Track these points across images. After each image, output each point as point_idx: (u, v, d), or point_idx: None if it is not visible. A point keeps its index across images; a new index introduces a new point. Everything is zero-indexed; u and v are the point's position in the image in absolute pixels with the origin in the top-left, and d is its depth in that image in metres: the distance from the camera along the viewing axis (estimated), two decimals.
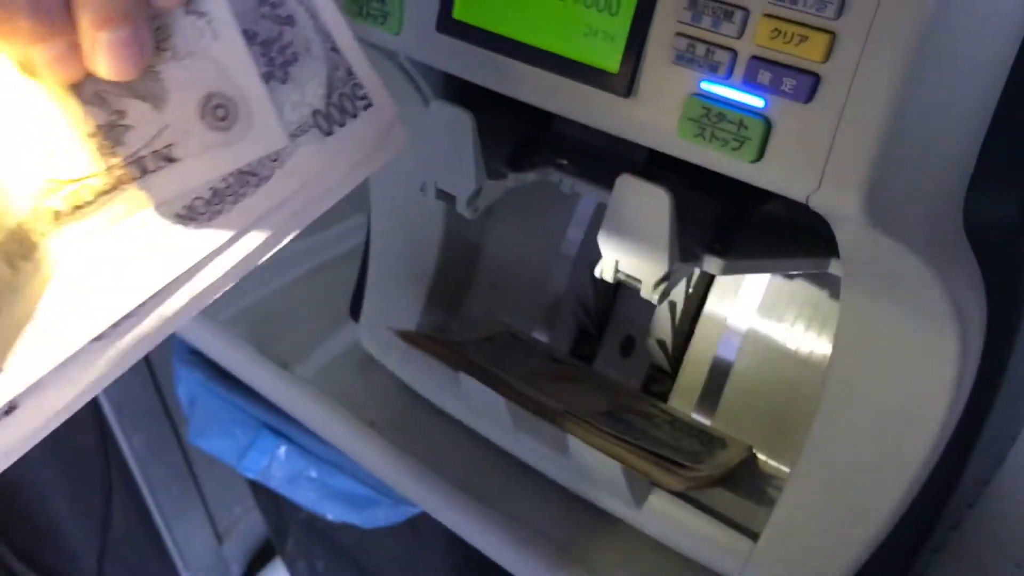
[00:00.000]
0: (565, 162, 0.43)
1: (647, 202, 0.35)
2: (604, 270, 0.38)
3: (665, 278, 0.36)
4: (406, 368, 0.54)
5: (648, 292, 0.37)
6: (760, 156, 0.31)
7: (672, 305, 0.47)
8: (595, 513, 0.48)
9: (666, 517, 0.46)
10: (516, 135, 0.42)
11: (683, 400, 0.49)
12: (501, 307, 0.55)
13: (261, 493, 0.98)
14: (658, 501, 0.46)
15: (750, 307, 0.47)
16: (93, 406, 0.99)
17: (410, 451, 0.53)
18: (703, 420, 0.48)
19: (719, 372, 0.48)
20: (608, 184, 0.41)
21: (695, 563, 0.46)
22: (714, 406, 0.48)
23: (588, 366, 0.51)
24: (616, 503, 0.47)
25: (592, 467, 0.45)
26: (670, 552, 0.46)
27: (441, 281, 0.53)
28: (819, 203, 0.31)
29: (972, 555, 0.47)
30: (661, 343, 0.48)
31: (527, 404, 0.45)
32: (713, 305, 0.48)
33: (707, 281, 0.48)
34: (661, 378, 0.50)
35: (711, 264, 0.37)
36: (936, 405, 0.37)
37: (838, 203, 0.30)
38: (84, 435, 1.01)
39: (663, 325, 0.48)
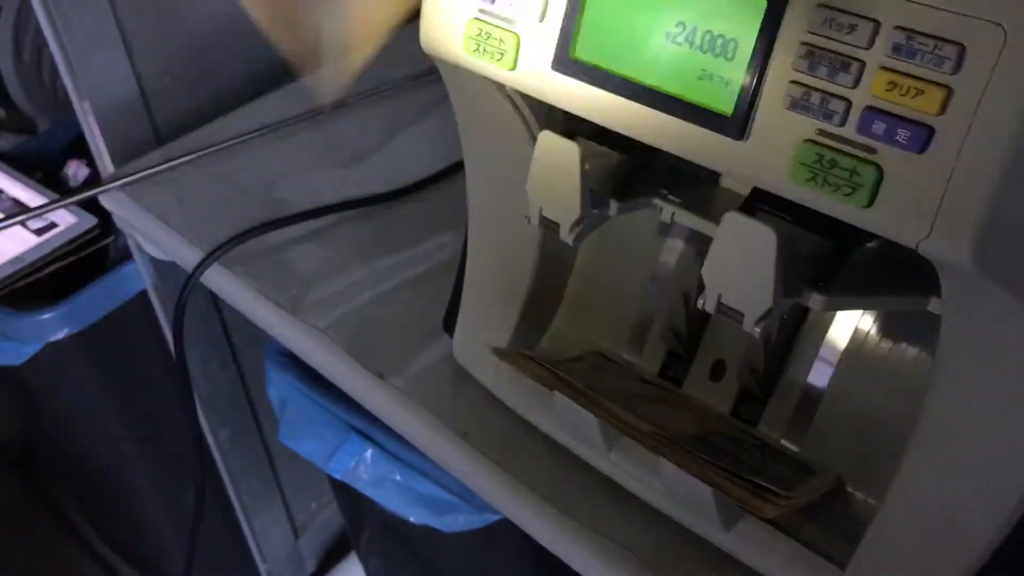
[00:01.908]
0: (668, 193, 0.44)
1: (753, 240, 0.36)
2: (707, 303, 0.39)
3: (768, 313, 0.37)
4: (499, 383, 0.55)
5: (750, 326, 0.38)
6: (871, 202, 0.31)
7: (767, 335, 0.48)
8: (682, 533, 0.49)
9: (754, 541, 0.47)
10: (622, 167, 0.43)
11: (772, 426, 0.49)
12: (591, 327, 0.56)
13: (341, 491, 1.01)
14: (746, 525, 0.47)
15: (844, 335, 0.47)
16: (186, 402, 1.03)
17: (500, 462, 0.54)
18: (792, 447, 0.49)
19: (810, 400, 0.49)
20: (710, 216, 0.43)
21: None
22: (804, 434, 0.49)
23: (678, 388, 0.52)
24: (705, 526, 0.48)
25: (683, 490, 0.47)
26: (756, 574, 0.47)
27: (534, 300, 0.55)
28: (929, 250, 0.31)
29: None
30: (753, 369, 0.49)
31: (619, 425, 0.47)
32: (808, 332, 0.48)
33: (803, 308, 0.49)
34: (751, 404, 0.51)
35: (814, 301, 0.38)
36: None
37: (948, 250, 0.31)
38: (175, 428, 1.05)
39: (755, 351, 0.48)
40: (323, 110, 0.85)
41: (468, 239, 0.55)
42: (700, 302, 0.39)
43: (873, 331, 0.47)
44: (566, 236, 0.43)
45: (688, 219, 0.43)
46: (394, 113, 0.86)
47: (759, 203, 0.40)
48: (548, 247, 0.53)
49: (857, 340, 0.47)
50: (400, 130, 0.84)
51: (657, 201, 0.43)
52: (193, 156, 0.80)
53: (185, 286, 0.70)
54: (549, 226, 0.43)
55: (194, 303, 0.95)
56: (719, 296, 0.39)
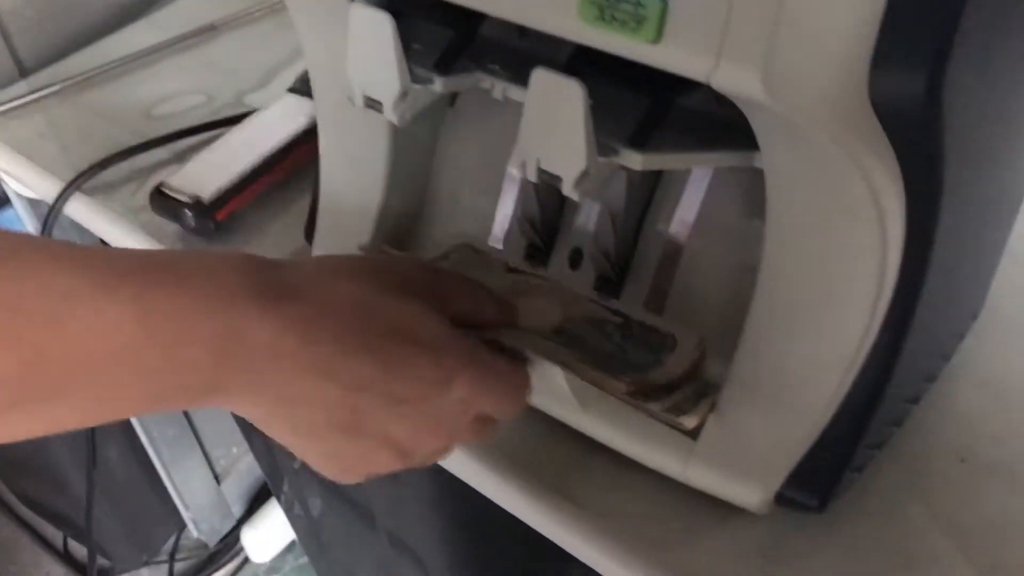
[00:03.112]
0: (496, 67, 0.42)
1: (562, 96, 0.35)
2: (528, 170, 0.38)
3: (585, 174, 0.36)
4: None
5: (569, 190, 0.37)
6: (659, 36, 0.30)
7: (613, 215, 0.47)
8: (552, 425, 0.49)
9: (611, 421, 0.46)
10: (443, 39, 0.42)
11: (630, 309, 0.49)
12: (455, 225, 0.55)
13: (256, 439, 1.00)
14: (604, 407, 0.46)
15: (692, 208, 0.46)
16: None
17: None
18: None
19: (664, 277, 0.48)
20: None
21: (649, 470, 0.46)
22: (661, 313, 0.48)
23: (543, 275, 0.51)
24: (565, 411, 0.47)
25: (540, 376, 0.46)
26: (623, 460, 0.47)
27: (392, 202, 0.53)
28: (720, 83, 0.30)
29: (916, 451, 0.47)
30: (606, 253, 0.48)
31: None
32: (655, 209, 0.47)
33: (650, 187, 0.48)
34: (610, 289, 0.50)
35: (630, 158, 0.37)
36: (865, 289, 0.37)
37: (738, 81, 0.30)
38: None
39: (606, 234, 0.47)
40: (192, 35, 0.82)
41: (319, 138, 0.53)
42: (520, 169, 0.38)
43: (724, 200, 0.46)
44: (390, 114, 0.41)
45: (516, 93, 0.41)
46: (264, 35, 0.83)
47: (580, 64, 0.38)
48: (400, 143, 0.51)
49: (706, 210, 0.46)
50: (270, 51, 0.81)
51: (482, 75, 0.42)
52: (56, 87, 0.77)
53: (47, 218, 0.67)
54: (372, 106, 0.42)
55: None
56: (537, 161, 0.37)
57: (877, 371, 0.39)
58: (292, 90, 0.68)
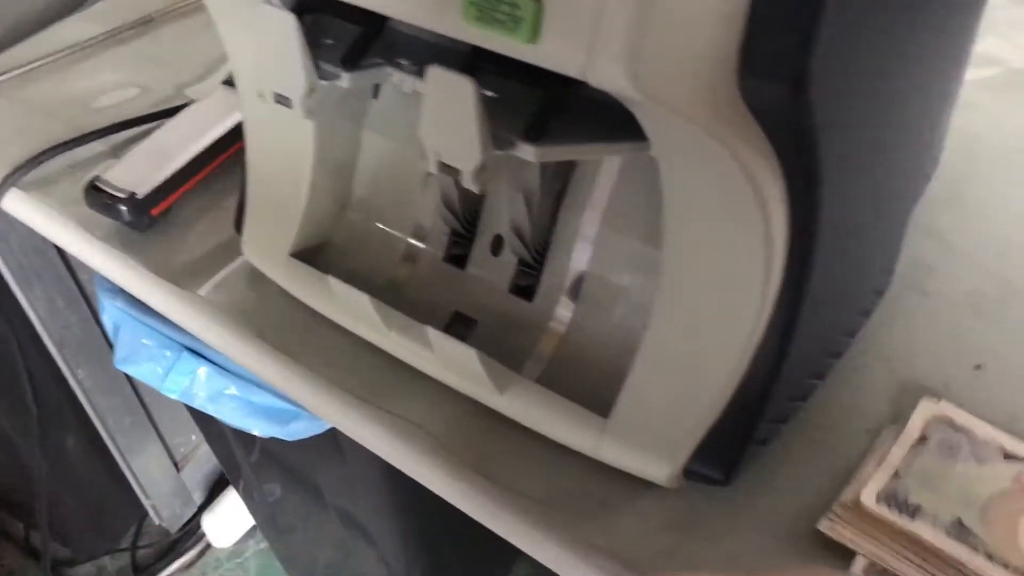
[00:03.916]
0: (403, 60, 0.43)
1: (456, 93, 0.36)
2: (430, 163, 0.39)
3: (482, 167, 0.38)
4: (287, 277, 0.55)
5: (469, 182, 0.38)
6: (535, 36, 0.31)
7: (529, 201, 0.48)
8: (470, 405, 0.50)
9: (527, 401, 0.48)
10: (348, 35, 0.43)
11: (550, 291, 0.50)
12: (380, 213, 0.56)
13: (212, 430, 1.00)
14: (519, 388, 0.48)
15: (605, 193, 0.48)
16: (34, 342, 1.00)
17: (296, 357, 0.54)
18: (570, 306, 0.50)
19: (579, 260, 0.49)
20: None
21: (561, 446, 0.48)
22: (577, 297, 0.50)
23: (460, 270, 0.53)
24: (482, 392, 0.49)
25: (455, 357, 0.47)
26: (540, 439, 0.48)
27: (318, 193, 0.54)
28: (594, 80, 0.32)
29: (823, 424, 0.49)
30: (523, 239, 0.50)
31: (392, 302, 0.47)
32: (573, 192, 0.49)
33: (564, 171, 0.49)
34: (531, 273, 0.52)
35: (525, 151, 0.38)
36: (754, 273, 0.38)
37: (610, 78, 0.31)
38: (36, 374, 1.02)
39: (521, 221, 0.49)
40: (129, 27, 0.82)
41: (244, 135, 0.54)
42: (424, 162, 0.39)
43: (636, 188, 0.47)
44: (299, 110, 0.42)
45: (421, 85, 0.43)
46: (201, 26, 0.84)
47: (479, 60, 0.40)
48: (322, 134, 0.52)
49: (618, 197, 0.48)
50: (208, 43, 0.81)
51: (389, 70, 0.43)
52: None
53: None
54: (281, 102, 0.43)
55: (27, 239, 0.92)
56: (438, 155, 0.39)
57: (772, 351, 0.41)
58: (227, 83, 0.69)
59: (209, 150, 0.64)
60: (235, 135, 0.66)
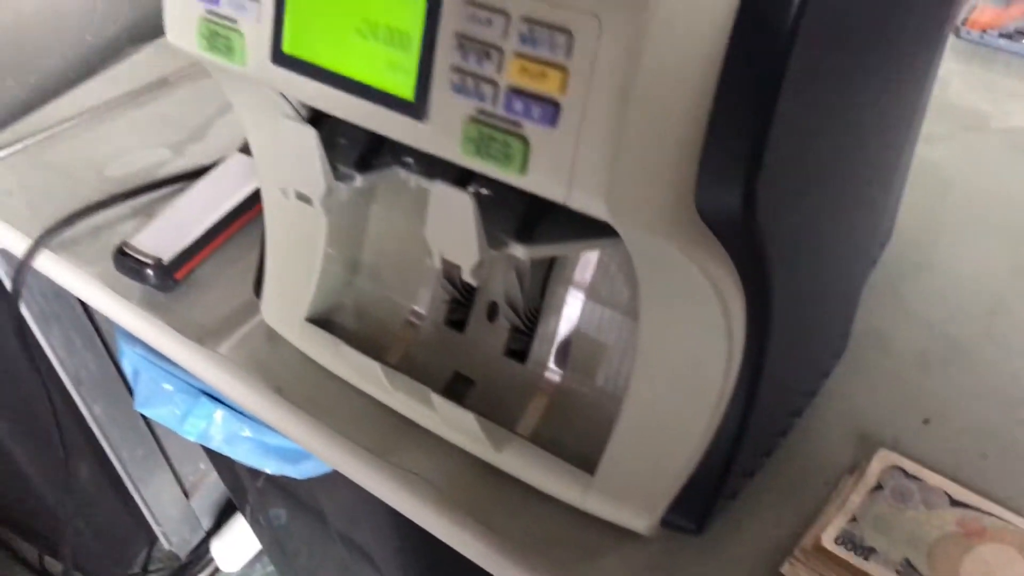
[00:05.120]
0: (410, 160, 0.49)
1: (457, 205, 0.42)
2: (435, 260, 0.45)
3: (479, 264, 0.43)
4: (303, 339, 0.61)
5: (468, 276, 0.44)
6: (524, 170, 0.37)
7: (521, 275, 0.54)
8: (470, 460, 0.56)
9: (520, 458, 0.53)
10: (361, 141, 0.48)
11: (540, 354, 0.56)
12: (387, 283, 0.61)
13: (218, 460, 1.06)
14: (514, 446, 0.54)
15: (589, 269, 0.54)
16: (53, 380, 1.05)
17: (310, 412, 0.60)
18: (557, 373, 0.55)
19: (567, 326, 0.55)
20: (446, 178, 0.48)
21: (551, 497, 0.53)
22: (565, 361, 0.55)
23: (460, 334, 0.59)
24: (480, 448, 0.54)
25: (455, 418, 0.53)
26: (533, 491, 0.54)
27: (330, 266, 0.60)
28: (575, 205, 0.37)
29: (786, 475, 0.55)
30: (515, 308, 0.55)
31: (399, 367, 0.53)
32: (559, 270, 0.55)
33: None
34: (523, 338, 0.57)
35: (517, 250, 0.44)
36: (717, 355, 0.44)
37: (589, 205, 0.37)
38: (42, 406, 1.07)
39: (514, 293, 0.54)
40: (146, 90, 0.88)
41: (264, 216, 0.59)
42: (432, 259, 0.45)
43: (616, 266, 0.53)
44: (318, 208, 0.48)
45: (426, 184, 0.48)
46: (213, 88, 0.89)
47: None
48: (335, 218, 0.57)
49: (600, 273, 0.53)
50: (222, 105, 0.87)
51: (397, 169, 0.48)
52: (20, 146, 0.82)
53: (16, 276, 0.73)
54: (303, 199, 0.48)
55: (46, 286, 0.98)
56: (441, 252, 0.44)
57: (736, 417, 0.47)
58: (242, 151, 0.74)
59: (227, 217, 0.70)
60: (251, 201, 0.71)
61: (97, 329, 1.05)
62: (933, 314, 0.64)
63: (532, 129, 0.36)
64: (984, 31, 0.84)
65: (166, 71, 0.89)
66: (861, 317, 0.60)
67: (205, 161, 0.79)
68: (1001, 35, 0.84)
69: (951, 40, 0.86)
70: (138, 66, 0.92)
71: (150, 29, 0.96)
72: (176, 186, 0.76)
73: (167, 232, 0.68)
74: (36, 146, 0.83)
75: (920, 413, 0.58)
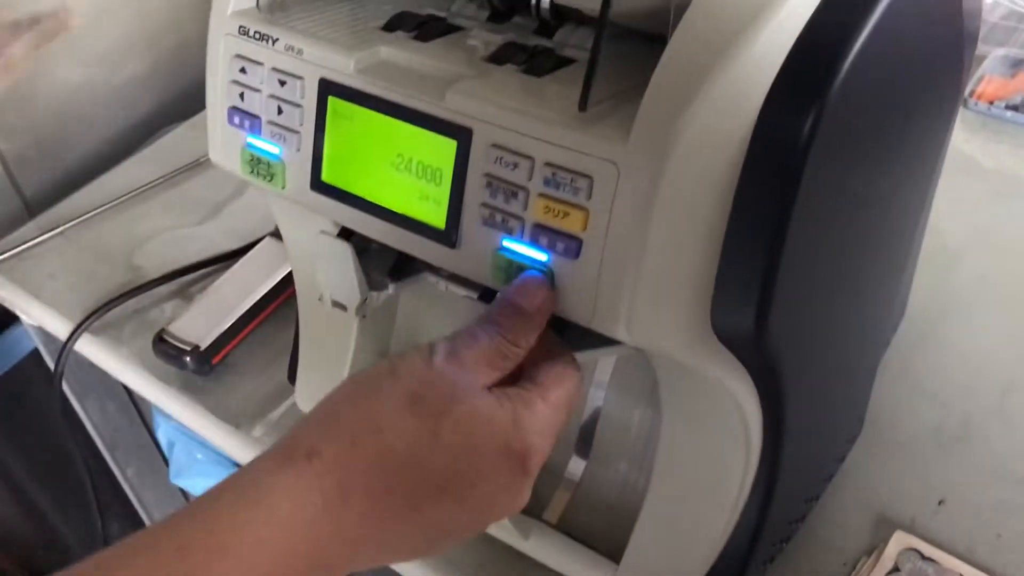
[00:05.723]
0: (438, 268, 0.51)
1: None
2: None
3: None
4: None
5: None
6: None
7: None
8: (497, 546, 0.58)
9: (549, 546, 0.55)
10: (394, 253, 0.51)
11: (564, 447, 0.58)
12: None
13: None
14: (542, 532, 0.56)
15: (610, 365, 0.56)
16: (86, 445, 1.08)
17: None
18: (581, 463, 0.57)
19: (591, 421, 0.57)
20: (469, 285, 0.50)
21: None
22: (588, 450, 0.57)
23: None
24: (510, 537, 0.56)
25: None
26: None
27: (360, 353, 0.62)
28: (598, 328, 0.40)
29: (805, 558, 0.57)
30: None
31: None
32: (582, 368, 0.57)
33: None
34: None
35: None
36: (735, 459, 0.46)
37: (610, 329, 0.39)
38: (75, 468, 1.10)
39: None
40: (181, 171, 0.91)
41: (299, 317, 0.62)
42: None
43: (636, 363, 0.55)
44: (353, 315, 0.51)
45: (456, 288, 0.51)
46: None
47: None
48: (367, 317, 0.60)
49: (621, 369, 0.56)
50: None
51: (430, 274, 0.51)
52: (60, 230, 0.86)
53: (58, 360, 0.76)
54: (339, 306, 0.51)
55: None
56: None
57: (755, 511, 0.49)
58: (273, 235, 0.77)
59: (260, 302, 0.73)
60: (282, 285, 0.74)
61: (130, 394, 1.08)
62: (946, 391, 0.66)
63: (556, 261, 0.39)
64: (991, 103, 0.86)
65: (197, 152, 0.93)
66: (875, 396, 0.62)
67: (238, 240, 0.82)
68: (1008, 107, 0.86)
69: (960, 112, 0.88)
70: (168, 148, 0.95)
71: (182, 109, 1.00)
72: (212, 268, 0.79)
73: (203, 318, 0.71)
74: (75, 229, 0.86)
75: (936, 493, 0.60)
